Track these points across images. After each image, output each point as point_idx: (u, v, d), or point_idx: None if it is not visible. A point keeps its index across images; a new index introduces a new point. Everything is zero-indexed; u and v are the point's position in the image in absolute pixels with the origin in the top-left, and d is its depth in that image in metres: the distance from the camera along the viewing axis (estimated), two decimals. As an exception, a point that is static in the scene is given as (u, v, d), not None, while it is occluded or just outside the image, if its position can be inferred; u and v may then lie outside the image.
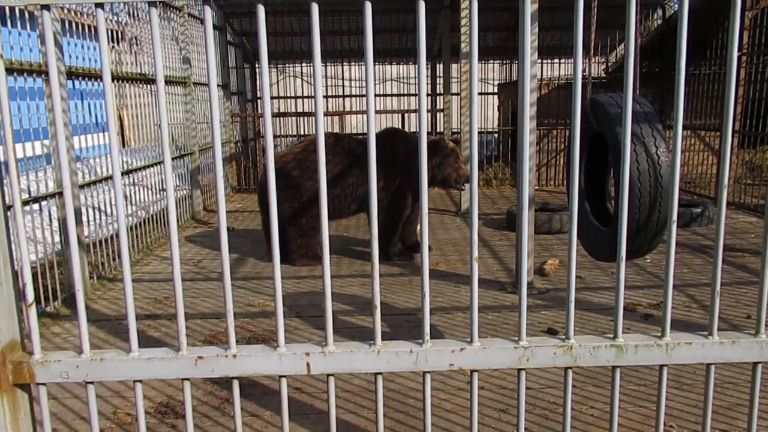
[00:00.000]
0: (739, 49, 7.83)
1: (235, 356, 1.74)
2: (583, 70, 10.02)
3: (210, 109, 1.71)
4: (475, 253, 1.76)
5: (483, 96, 12.60)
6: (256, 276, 5.38)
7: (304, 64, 12.81)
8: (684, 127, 9.29)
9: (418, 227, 6.08)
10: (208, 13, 1.72)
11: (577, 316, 4.16)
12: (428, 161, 5.62)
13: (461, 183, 5.82)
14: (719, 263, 1.81)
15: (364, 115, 12.22)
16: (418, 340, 1.83)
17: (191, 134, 7.96)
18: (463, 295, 4.71)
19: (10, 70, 4.11)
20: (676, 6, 10.39)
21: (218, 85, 9.60)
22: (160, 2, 7.26)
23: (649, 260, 5.46)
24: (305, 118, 11.27)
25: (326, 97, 12.57)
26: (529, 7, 1.77)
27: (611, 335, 1.83)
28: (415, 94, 12.87)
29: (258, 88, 12.12)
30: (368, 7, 1.72)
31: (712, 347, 1.81)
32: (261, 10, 1.73)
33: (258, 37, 1.73)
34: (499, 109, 11.79)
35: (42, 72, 4.47)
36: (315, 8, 1.74)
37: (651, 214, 3.14)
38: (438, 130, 11.80)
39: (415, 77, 12.74)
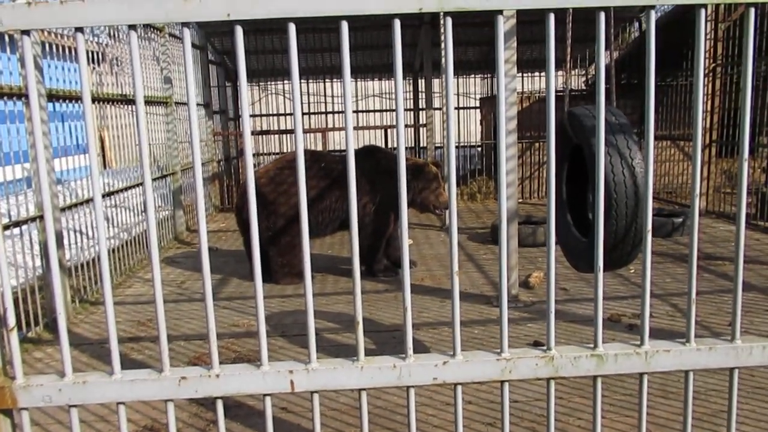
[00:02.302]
0: (714, 60, 8.00)
1: (218, 376, 1.75)
2: (562, 83, 10.19)
3: (190, 128, 1.74)
4: (456, 267, 1.80)
5: (465, 110, 12.72)
6: (240, 296, 5.37)
7: (285, 82, 12.87)
8: (663, 138, 9.46)
9: None
10: (187, 35, 1.75)
11: (562, 329, 4.20)
12: (409, 184, 5.71)
13: (440, 209, 5.85)
14: (694, 271, 1.85)
15: (342, 132, 12.29)
16: (402, 355, 1.85)
17: (173, 154, 7.95)
18: (448, 310, 4.73)
19: (-12, 94, 4.11)
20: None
21: (199, 104, 9.63)
22: (140, 24, 7.30)
23: (632, 270, 5.53)
24: (287, 135, 11.31)
25: (308, 114, 12.63)
26: (502, 25, 1.82)
27: (592, 345, 1.86)
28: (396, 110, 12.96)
29: (239, 107, 12.14)
30: (344, 26, 1.77)
31: (689, 354, 1.85)
32: (239, 30, 1.76)
33: (236, 55, 1.76)
34: (481, 123, 11.91)
35: (22, 95, 4.47)
36: (292, 28, 1.78)
37: (629, 224, 3.19)
38: (421, 145, 11.89)
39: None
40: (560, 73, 10.91)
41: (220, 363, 1.80)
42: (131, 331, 4.53)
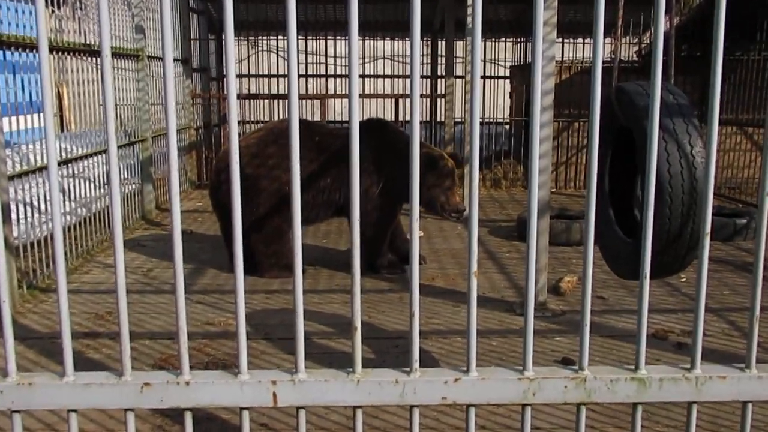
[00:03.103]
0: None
1: (188, 383, 1.75)
2: (610, 53, 10.12)
3: (164, 87, 1.73)
4: (474, 266, 1.79)
5: (492, 80, 12.65)
6: (216, 289, 5.38)
7: (280, 38, 12.83)
8: (728, 123, 9.40)
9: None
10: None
11: (597, 344, 4.20)
12: (421, 176, 5.59)
13: (448, 213, 5.77)
14: (759, 283, 1.84)
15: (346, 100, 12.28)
16: (406, 368, 1.85)
17: (144, 117, 7.96)
18: (463, 317, 4.74)
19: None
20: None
21: (177, 60, 9.61)
22: (109, -40, 7.27)
23: (684, 279, 5.52)
24: (279, 100, 11.30)
25: (305, 76, 12.60)
26: (544, -21, 1.79)
27: (633, 366, 1.86)
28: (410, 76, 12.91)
29: (224, 65, 12.12)
30: (354, -25, 1.74)
31: (749, 382, 1.85)
32: (228, -25, 1.74)
33: (222, 0, 1.75)
34: (511, 96, 11.86)
35: (-34, 40, 4.46)
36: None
37: (684, 224, 3.18)
38: (438, 119, 11.86)
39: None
40: (608, 40, 10.83)
41: (191, 368, 1.80)
42: (87, 326, 4.55)
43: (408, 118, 11.12)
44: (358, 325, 1.82)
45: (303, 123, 5.83)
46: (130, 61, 7.75)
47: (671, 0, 4.65)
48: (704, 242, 1.86)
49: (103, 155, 6.88)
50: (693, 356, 1.85)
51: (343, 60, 12.93)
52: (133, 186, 7.87)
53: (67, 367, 1.74)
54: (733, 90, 9.28)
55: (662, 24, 1.83)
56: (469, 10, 7.37)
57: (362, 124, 5.91)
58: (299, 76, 12.46)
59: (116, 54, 7.28)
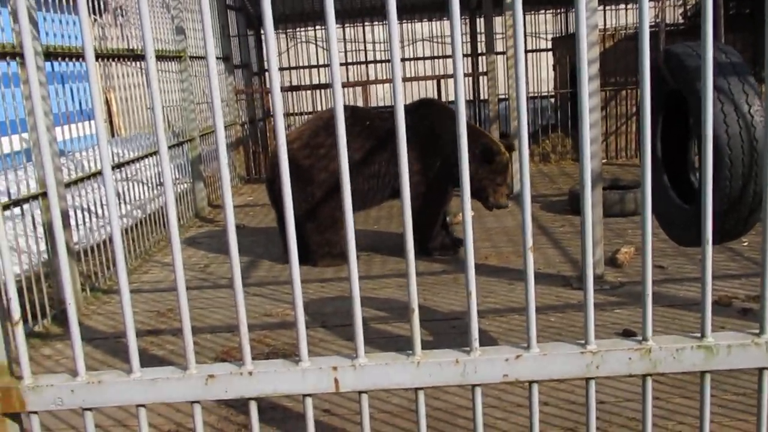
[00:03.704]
0: None
1: (251, 374, 1.78)
2: (656, 16, 9.85)
3: (209, 86, 1.74)
4: (530, 242, 1.77)
5: (534, 53, 12.45)
6: (273, 281, 5.45)
7: (318, 27, 12.85)
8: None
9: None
10: (202, -26, 1.75)
11: (659, 315, 4.12)
12: (474, 166, 5.46)
13: (491, 207, 5.77)
14: (828, 242, 1.78)
15: (388, 85, 12.22)
16: (465, 348, 1.85)
17: (190, 117, 8.08)
18: (518, 294, 4.70)
19: (-21, 54, 4.24)
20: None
21: (218, 58, 9.71)
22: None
23: (746, 243, 5.37)
24: (322, 90, 11.33)
25: (345, 64, 12.60)
26: (583, -56, 1.75)
27: (698, 334, 1.82)
28: (451, 56, 12.81)
29: (265, 59, 12.21)
30: (389, -44, 1.73)
31: (823, 344, 1.78)
32: (263, -33, 1.75)
33: (261, -2, 1.75)
34: (554, 69, 11.66)
35: (16, 54, 4.58)
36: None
37: (745, 186, 3.09)
38: (481, 98, 11.74)
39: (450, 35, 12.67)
40: (653, 4, 10.55)
41: (253, 359, 1.83)
42: (150, 323, 4.66)
43: (452, 98, 11.03)
44: (416, 307, 1.81)
45: (353, 110, 5.84)
46: (172, 62, 7.86)
47: (716, -44, 4.50)
48: (767, 203, 1.81)
49: (154, 157, 7.01)
50: (762, 321, 1.80)
51: (383, 45, 12.90)
52: (185, 185, 8.01)
53: (134, 364, 1.78)
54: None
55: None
56: (507, -15, 7.26)
57: (412, 105, 5.92)
58: (340, 64, 12.50)
59: (159, 57, 7.39)
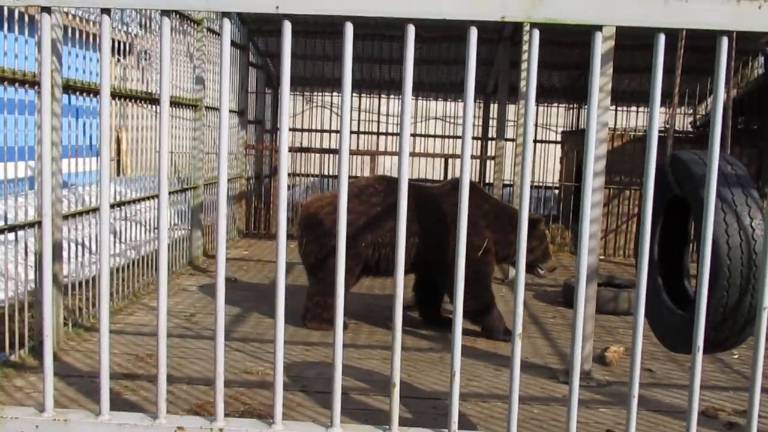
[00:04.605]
0: None
1: (221, 430, 1.73)
2: (665, 122, 10.03)
3: (219, 137, 1.76)
4: (519, 329, 1.75)
5: (543, 144, 12.63)
6: (257, 338, 5.38)
7: (334, 94, 13.07)
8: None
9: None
10: (226, 26, 1.78)
11: (645, 418, 4.04)
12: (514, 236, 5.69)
13: (546, 271, 5.98)
14: (820, 365, 1.75)
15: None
16: (444, 429, 1.80)
17: (197, 165, 8.13)
18: (504, 381, 4.62)
19: (-1, 79, 4.30)
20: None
21: (233, 111, 9.85)
22: (175, 12, 7.56)
23: (736, 356, 5.32)
24: (331, 155, 11.44)
25: (357, 132, 12.76)
26: (600, 43, 1.79)
27: (682, 444, 1.77)
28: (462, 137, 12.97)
29: (279, 118, 12.38)
30: (410, 30, 1.77)
31: (808, 470, 1.74)
32: (287, 26, 1.78)
33: (281, 56, 1.78)
34: (561, 161, 11.81)
35: (35, 83, 4.65)
36: (349, 28, 1.79)
37: (742, 298, 3.07)
38: (487, 181, 11.84)
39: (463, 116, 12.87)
40: (663, 109, 10.77)
41: (226, 415, 1.78)
42: (127, 367, 4.58)
43: (456, 175, 11.11)
44: (397, 381, 1.78)
45: (387, 180, 5.91)
46: (188, 110, 7.96)
47: (730, 71, 4.60)
48: (762, 317, 1.79)
49: (156, 200, 7.00)
50: (747, 438, 1.76)
51: (395, 118, 13.09)
52: (183, 232, 8.00)
53: (103, 406, 1.74)
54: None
55: (722, 90, 1.80)
56: (523, 75, 7.42)
57: (452, 185, 6.04)
58: (351, 132, 12.66)
59: (175, 103, 7.49)
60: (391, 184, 5.82)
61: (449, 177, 10.72)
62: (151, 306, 6.12)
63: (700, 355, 1.75)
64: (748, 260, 2.98)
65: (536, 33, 1.78)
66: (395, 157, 12.75)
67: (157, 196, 7.00)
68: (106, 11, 1.78)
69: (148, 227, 7.09)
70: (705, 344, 2.96)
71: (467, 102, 1.76)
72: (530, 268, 5.85)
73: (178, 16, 7.65)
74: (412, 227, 5.52)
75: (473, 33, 1.80)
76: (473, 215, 5.57)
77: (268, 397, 4.12)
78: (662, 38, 1.81)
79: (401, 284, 1.74)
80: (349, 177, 9.67)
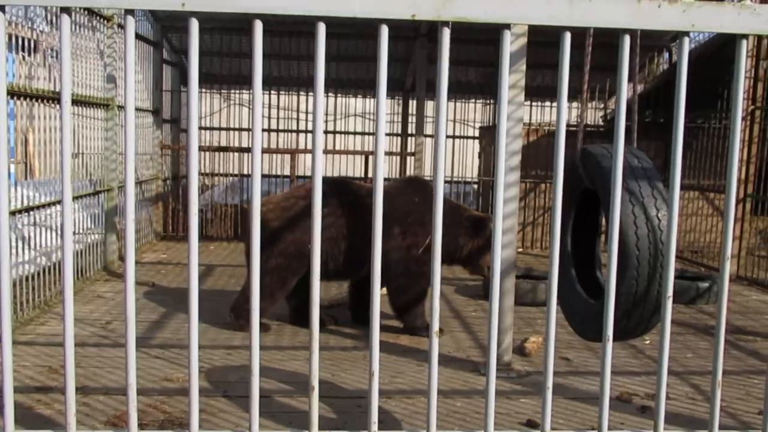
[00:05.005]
0: (753, 102, 8.18)
1: (135, 443, 1.68)
2: (576, 117, 10.32)
3: (125, 137, 1.70)
4: (436, 327, 1.76)
5: (461, 140, 12.81)
6: (177, 344, 5.25)
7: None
8: (690, 188, 9.59)
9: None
10: (131, 24, 1.73)
11: (562, 406, 4.14)
12: (468, 239, 5.77)
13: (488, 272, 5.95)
14: (721, 348, 1.84)
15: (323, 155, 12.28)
16: (364, 430, 1.80)
17: (110, 167, 7.88)
18: (427, 377, 4.66)
19: None
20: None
21: (147, 110, 9.60)
22: (84, 9, 7.29)
23: (648, 341, 5.52)
24: (250, 153, 11.29)
25: (276, 131, 12.64)
26: (509, 41, 1.82)
27: (596, 430, 1.83)
28: (387, 134, 12.99)
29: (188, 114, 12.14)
30: (321, 28, 1.75)
31: (712, 449, 1.82)
32: (194, 24, 1.74)
33: (189, 53, 1.74)
34: (479, 156, 12.01)
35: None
36: (258, 26, 1.76)
37: (650, 287, 3.19)
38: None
39: (386, 113, 12.92)
40: (575, 105, 11.08)
41: (143, 426, 1.73)
42: (40, 379, 4.39)
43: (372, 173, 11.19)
44: (316, 384, 1.76)
45: (338, 182, 5.89)
46: (99, 110, 7.70)
47: (635, 67, 4.77)
48: (666, 305, 1.86)
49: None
50: (656, 421, 1.83)
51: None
52: (97, 236, 7.73)
53: (7, 423, 1.65)
54: (695, 156, 9.49)
55: (625, 86, 1.86)
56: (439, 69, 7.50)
57: (401, 182, 6.14)
58: (269, 130, 12.53)
59: (85, 102, 7.24)
60: (342, 186, 5.85)
61: (370, 174, 10.74)
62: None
63: (610, 345, 1.80)
64: (655, 250, 3.10)
65: (446, 31, 1.79)
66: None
67: (73, 198, 6.76)
68: (0, 7, 1.70)
69: (59, 232, 6.82)
70: (617, 331, 3.06)
71: (380, 99, 1.76)
72: (478, 268, 5.91)
73: (86, 12, 7.39)
74: (360, 227, 5.54)
75: (384, 31, 1.80)
76: (421, 213, 5.64)
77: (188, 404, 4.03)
78: (568, 36, 1.85)
79: (317, 285, 1.72)
80: (269, 176, 9.61)
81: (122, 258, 8.04)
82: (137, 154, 9.25)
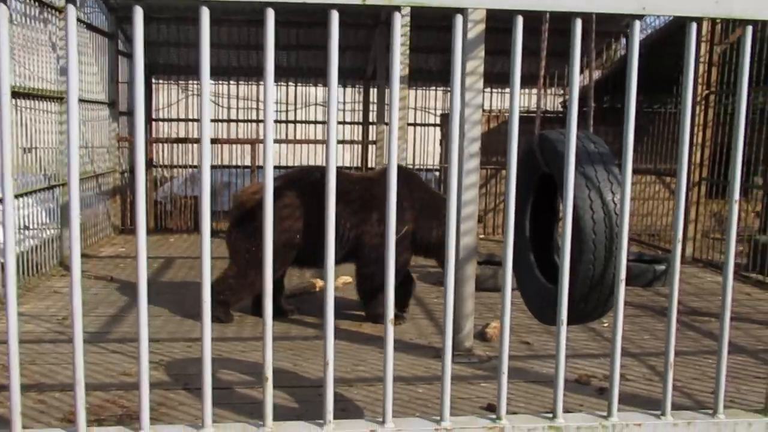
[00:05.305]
0: (707, 87, 8.32)
1: (84, 441, 1.64)
2: (536, 103, 10.39)
3: (68, 128, 1.65)
4: (391, 315, 1.75)
5: (422, 127, 12.82)
6: (136, 338, 5.14)
7: (212, 82, 12.74)
8: (647, 172, 9.73)
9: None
10: (72, 13, 1.67)
11: (522, 390, 4.19)
12: (443, 229, 5.75)
13: None
14: (673, 330, 1.86)
15: (282, 145, 12.21)
16: (319, 420, 1.78)
17: (65, 161, 7.70)
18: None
19: None
20: (641, 35, 10.98)
21: (102, 102, 9.42)
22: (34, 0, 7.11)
23: (606, 324, 5.60)
24: (213, 145, 11.15)
25: (236, 121, 12.50)
26: (460, 26, 1.81)
27: (551, 414, 1.84)
28: (348, 122, 12.97)
29: (154, 108, 11.96)
30: (270, 14, 1.72)
31: (665, 429, 1.84)
32: (138, 12, 1.69)
33: (134, 39, 1.69)
34: (441, 144, 12.03)
35: None
36: (205, 13, 1.72)
37: (606, 270, 3.21)
38: (369, 165, 11.91)
39: (346, 102, 12.87)
40: (535, 91, 11.15)
41: (101, 422, 1.69)
42: (-8, 378, 4.29)
43: (342, 163, 11.12)
44: (270, 375, 1.74)
45: (320, 171, 5.82)
46: (53, 103, 7.53)
47: (591, 52, 4.80)
48: (620, 288, 1.87)
49: (20, 199, 6.61)
50: (610, 403, 1.84)
51: (277, 105, 12.89)
52: (52, 231, 7.57)
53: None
54: (651, 141, 9.63)
55: (578, 70, 1.86)
56: (401, 59, 7.48)
57: (382, 171, 6.10)
58: (229, 120, 12.39)
59: (38, 96, 7.08)
60: (318, 173, 5.85)
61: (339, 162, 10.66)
62: (18, 312, 5.76)
63: (564, 329, 1.81)
64: (611, 234, 3.12)
65: (398, 16, 1.77)
66: (276, 145, 12.55)
67: (22, 195, 6.61)
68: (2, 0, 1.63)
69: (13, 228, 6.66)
70: (575, 315, 3.09)
71: (331, 87, 1.73)
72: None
73: (37, 3, 7.20)
74: (343, 213, 5.53)
75: (334, 17, 1.77)
76: (401, 202, 5.61)
77: (151, 399, 3.98)
78: (520, 20, 1.84)
79: (270, 276, 1.70)
80: (230, 167, 9.49)
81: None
82: (93, 147, 9.08)
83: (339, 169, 6.42)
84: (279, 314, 5.75)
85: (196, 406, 3.90)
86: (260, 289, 5.98)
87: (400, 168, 6.24)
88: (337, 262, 5.80)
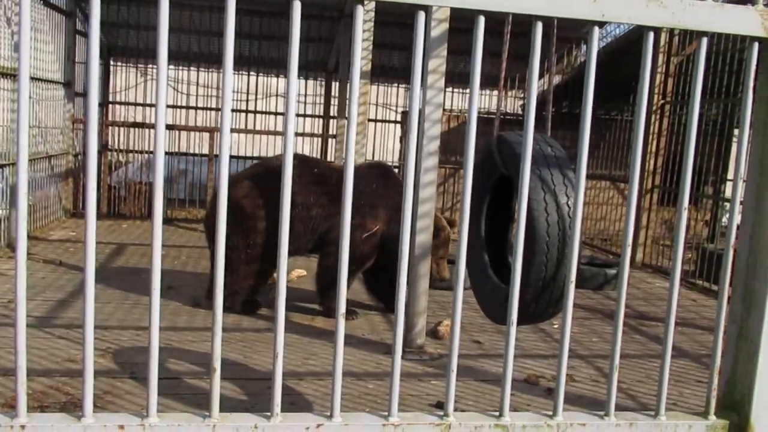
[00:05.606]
0: (663, 97, 8.49)
1: (23, 427, 1.60)
2: (496, 104, 10.48)
3: (17, 107, 1.60)
4: (342, 308, 1.74)
5: (383, 123, 12.83)
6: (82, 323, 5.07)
7: (173, 67, 12.54)
8: (602, 177, 9.90)
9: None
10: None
11: (472, 389, 4.22)
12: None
13: (432, 280, 5.64)
14: (619, 333, 1.89)
15: (241, 135, 12.09)
16: (267, 413, 1.77)
17: (16, 140, 7.51)
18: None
19: None
20: (602, 43, 11.17)
21: (57, 82, 9.20)
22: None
23: (556, 326, 5.67)
24: (170, 131, 10.99)
25: (195, 108, 12.33)
26: (423, 23, 1.81)
27: (497, 413, 1.85)
28: (308, 115, 12.90)
29: (111, 91, 11.73)
30: (231, 4, 1.70)
31: (608, 429, 1.88)
32: (95, -8, 1.66)
33: (90, 25, 1.65)
34: (401, 141, 12.06)
35: None
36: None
37: (558, 271, 3.26)
38: (329, 159, 11.87)
39: (308, 94, 12.80)
40: (495, 92, 11.25)
41: (44, 408, 1.65)
42: (-69, 361, 4.17)
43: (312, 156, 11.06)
44: (218, 366, 1.72)
45: (299, 158, 5.76)
46: (7, 80, 7.33)
47: (551, 57, 4.86)
48: (569, 289, 1.90)
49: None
50: (556, 403, 1.87)
51: (238, 94, 12.76)
52: (2, 212, 7.38)
53: None
54: (608, 147, 9.80)
55: (536, 73, 1.88)
56: (364, 54, 7.46)
57: (363, 166, 6.10)
58: (188, 107, 12.21)
59: (-10, 72, 6.89)
60: (308, 162, 5.84)
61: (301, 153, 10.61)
62: (-38, 293, 5.62)
63: (513, 329, 1.83)
64: (564, 237, 3.16)
65: (360, 9, 1.76)
66: (235, 135, 12.44)
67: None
68: None
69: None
70: (527, 315, 3.13)
71: (290, 79, 1.71)
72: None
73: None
74: (318, 201, 5.50)
75: (296, 7, 1.76)
76: (374, 200, 5.61)
77: (98, 386, 3.90)
78: (482, 20, 1.85)
79: (222, 266, 1.68)
80: (187, 154, 9.35)
81: (30, 235, 7.72)
82: (47, 127, 8.87)
83: (320, 160, 6.38)
84: (254, 310, 5.72)
85: (143, 396, 3.83)
86: (255, 284, 5.97)
87: (381, 165, 6.26)
88: (310, 250, 5.83)
